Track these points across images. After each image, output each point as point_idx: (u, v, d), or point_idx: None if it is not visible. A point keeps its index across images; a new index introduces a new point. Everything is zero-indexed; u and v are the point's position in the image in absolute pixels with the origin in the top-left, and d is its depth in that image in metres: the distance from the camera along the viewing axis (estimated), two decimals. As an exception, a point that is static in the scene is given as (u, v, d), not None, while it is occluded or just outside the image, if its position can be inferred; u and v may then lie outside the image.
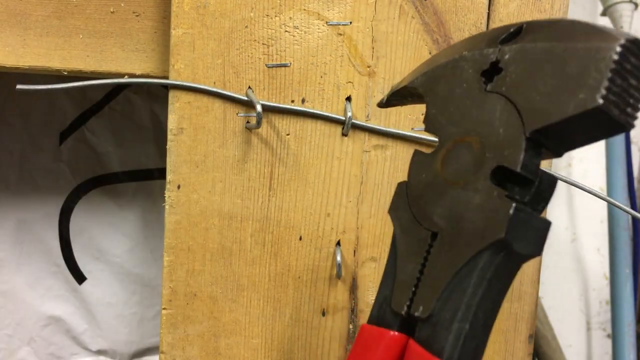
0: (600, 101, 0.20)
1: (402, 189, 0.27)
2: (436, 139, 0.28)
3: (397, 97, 0.32)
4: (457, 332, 0.22)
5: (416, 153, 0.28)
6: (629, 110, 0.21)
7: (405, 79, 0.31)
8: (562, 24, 0.23)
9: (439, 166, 0.26)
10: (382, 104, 0.33)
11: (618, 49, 0.21)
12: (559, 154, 0.24)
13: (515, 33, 0.25)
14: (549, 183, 0.23)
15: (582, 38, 0.22)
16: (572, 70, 0.21)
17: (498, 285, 0.23)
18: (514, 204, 0.22)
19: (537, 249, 0.23)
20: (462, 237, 0.23)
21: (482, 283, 0.23)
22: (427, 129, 0.27)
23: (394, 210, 0.27)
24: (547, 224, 0.23)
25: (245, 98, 0.43)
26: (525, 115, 0.23)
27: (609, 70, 0.20)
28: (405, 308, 0.25)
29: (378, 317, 0.26)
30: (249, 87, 0.44)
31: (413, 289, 0.24)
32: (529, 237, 0.22)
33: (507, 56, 0.24)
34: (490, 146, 0.23)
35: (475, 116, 0.25)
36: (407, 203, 0.26)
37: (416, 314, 0.24)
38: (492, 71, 0.25)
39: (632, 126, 0.22)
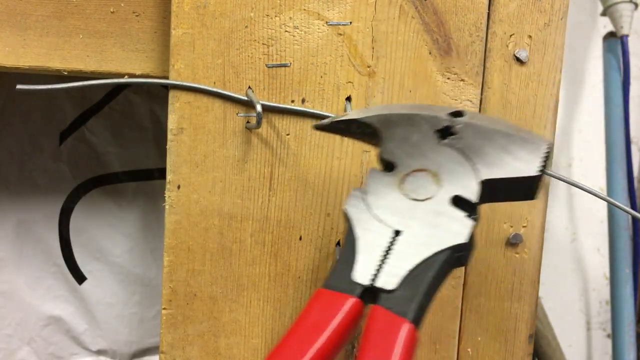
0: (534, 173, 0.32)
1: (357, 194, 0.34)
2: None
3: (342, 125, 0.38)
4: (418, 303, 0.30)
5: (373, 170, 0.35)
6: (540, 186, 0.34)
7: (354, 114, 0.38)
8: (495, 118, 0.36)
9: (399, 184, 0.33)
10: (322, 126, 0.39)
11: (547, 147, 0.33)
12: (484, 200, 0.33)
13: (458, 114, 0.35)
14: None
15: (521, 132, 0.34)
16: (515, 149, 0.33)
17: (447, 274, 0.32)
18: (473, 222, 0.32)
19: (472, 256, 0.33)
20: (427, 237, 0.31)
21: (440, 271, 0.31)
22: (385, 156, 0.35)
23: (352, 208, 0.33)
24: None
25: (245, 98, 0.43)
26: (478, 167, 0.33)
27: (541, 160, 0.32)
28: (369, 281, 0.31)
29: (336, 286, 0.31)
30: (249, 87, 0.44)
31: (377, 268, 0.31)
32: (473, 245, 0.33)
33: (459, 125, 0.34)
34: (447, 180, 0.33)
35: (432, 158, 0.34)
36: (365, 206, 0.33)
37: (383, 286, 0.30)
38: (444, 132, 0.34)
39: (535, 198, 0.34)
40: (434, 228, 0.32)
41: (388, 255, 0.31)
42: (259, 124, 0.42)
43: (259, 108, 0.41)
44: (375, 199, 0.33)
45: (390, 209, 0.33)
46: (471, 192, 0.32)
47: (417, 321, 0.30)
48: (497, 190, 0.33)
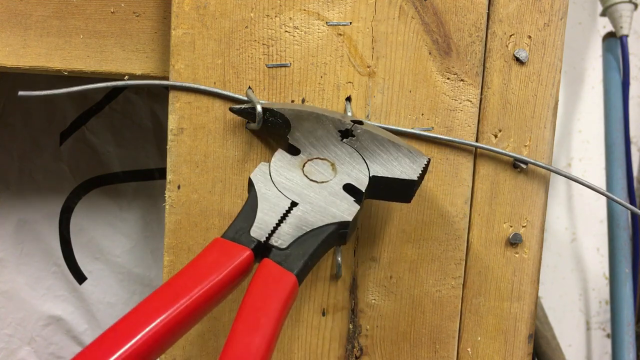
0: (415, 178, 0.39)
1: (264, 167, 0.38)
2: (435, 135, 0.45)
3: (255, 112, 0.42)
4: (304, 262, 0.35)
5: (280, 151, 0.39)
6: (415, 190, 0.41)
7: (267, 104, 0.42)
8: (389, 133, 0.43)
9: (301, 166, 0.39)
10: (237, 110, 0.43)
11: (426, 161, 0.40)
12: (370, 193, 0.40)
13: (359, 122, 0.42)
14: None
15: (409, 147, 0.41)
16: (402, 157, 0.40)
17: (330, 246, 0.38)
18: (360, 206, 0.38)
19: (351, 236, 0.39)
20: (319, 211, 0.37)
21: (325, 241, 0.36)
22: (292, 142, 0.40)
23: (258, 177, 0.38)
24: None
25: (246, 98, 0.43)
26: (370, 165, 0.40)
27: (421, 169, 0.40)
28: (265, 238, 0.35)
29: (234, 238, 0.35)
30: (249, 88, 0.44)
31: (272, 230, 0.36)
32: (355, 226, 0.39)
33: (359, 130, 0.41)
34: (342, 171, 0.39)
35: (332, 151, 0.40)
36: (270, 179, 0.38)
37: (275, 243, 0.35)
38: (346, 133, 0.41)
39: (410, 201, 0.41)
40: (326, 205, 0.37)
41: (283, 221, 0.36)
42: (259, 124, 0.42)
43: (259, 108, 0.41)
44: (279, 174, 0.38)
45: (291, 184, 0.38)
46: (361, 183, 0.39)
47: (300, 276, 0.35)
48: (382, 187, 0.40)
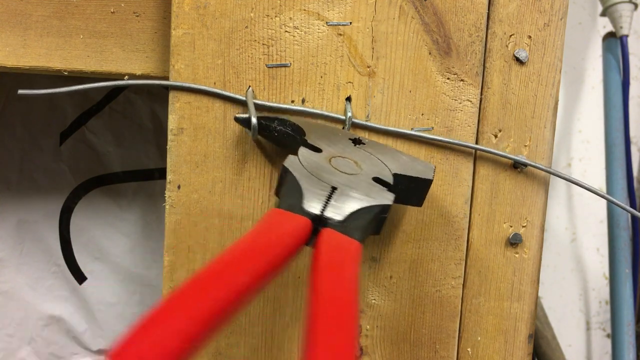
0: (431, 178, 0.40)
1: (294, 159, 0.38)
2: (435, 137, 0.44)
3: (264, 121, 0.42)
4: (362, 230, 0.36)
5: (303, 148, 0.40)
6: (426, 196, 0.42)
7: (280, 117, 0.43)
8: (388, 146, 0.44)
9: (327, 161, 0.39)
10: (241, 119, 0.42)
11: (434, 167, 0.42)
12: (393, 191, 0.39)
13: (357, 140, 0.43)
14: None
15: (413, 157, 0.43)
16: (414, 162, 0.42)
17: (378, 223, 0.38)
18: (393, 194, 0.38)
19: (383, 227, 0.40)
20: (362, 194, 0.37)
21: (373, 220, 0.37)
22: (311, 142, 0.40)
23: (293, 166, 0.38)
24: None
25: (245, 98, 0.43)
26: (389, 166, 0.41)
27: (433, 171, 0.41)
28: (320, 211, 0.35)
29: (290, 209, 0.35)
30: (250, 87, 0.44)
31: (323, 204, 0.36)
32: (388, 214, 0.39)
33: (366, 140, 0.43)
34: (366, 168, 0.40)
35: (350, 153, 0.41)
36: (303, 167, 0.38)
37: (332, 215, 0.35)
38: (356, 141, 0.42)
39: (421, 204, 0.42)
40: (366, 190, 0.38)
41: (330, 202, 0.36)
42: (254, 135, 0.42)
43: (254, 121, 0.41)
44: (310, 165, 0.38)
45: (325, 173, 0.38)
46: (388, 177, 0.40)
47: (361, 242, 0.35)
48: (402, 186, 0.40)
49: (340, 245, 0.33)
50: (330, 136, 0.41)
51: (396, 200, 0.40)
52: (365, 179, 0.39)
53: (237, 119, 0.42)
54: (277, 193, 0.39)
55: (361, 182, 0.38)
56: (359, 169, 0.39)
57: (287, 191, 0.37)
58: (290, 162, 0.38)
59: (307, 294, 0.32)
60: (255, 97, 0.44)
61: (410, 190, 0.41)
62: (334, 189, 0.37)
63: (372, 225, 0.38)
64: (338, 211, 0.35)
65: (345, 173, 0.38)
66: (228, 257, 0.29)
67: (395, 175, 0.40)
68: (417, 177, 0.40)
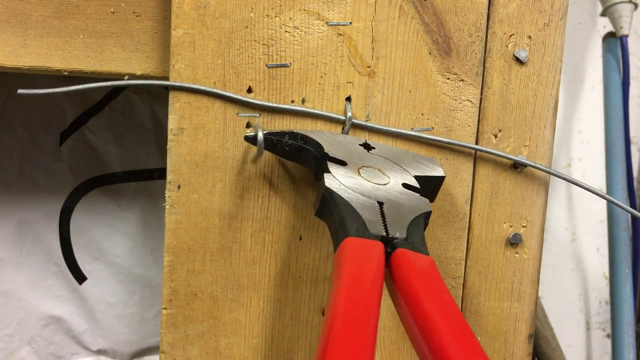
0: (444, 174, 0.43)
1: (332, 178, 0.39)
2: (435, 137, 0.45)
3: (274, 137, 0.42)
4: (426, 248, 0.37)
5: (331, 164, 0.40)
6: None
7: (285, 130, 0.43)
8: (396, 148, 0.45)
9: (358, 174, 0.40)
10: (251, 139, 0.41)
11: (440, 162, 0.44)
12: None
13: (367, 145, 0.43)
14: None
15: (417, 154, 0.45)
16: (423, 161, 0.43)
17: (424, 230, 0.39)
18: (427, 199, 0.40)
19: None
20: (406, 206, 0.39)
21: (423, 226, 0.39)
22: (333, 155, 0.41)
23: (335, 187, 0.38)
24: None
25: (245, 99, 0.43)
26: (406, 169, 0.42)
27: (441, 167, 0.43)
28: (384, 232, 0.36)
29: (363, 235, 0.36)
30: (257, 126, 0.43)
31: (383, 225, 0.37)
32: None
33: (374, 145, 0.43)
34: (391, 175, 0.41)
35: (369, 161, 0.42)
36: (344, 186, 0.38)
37: (396, 235, 0.36)
38: (366, 146, 0.43)
39: (434, 200, 0.44)
40: (406, 201, 0.39)
41: (386, 219, 0.37)
42: (259, 152, 0.41)
43: (260, 136, 0.41)
44: (348, 181, 0.39)
45: (364, 189, 0.39)
46: (414, 182, 0.41)
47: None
48: (422, 187, 0.41)
49: (420, 265, 0.35)
50: (342, 145, 0.42)
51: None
52: (397, 187, 0.40)
53: (247, 139, 0.42)
54: (321, 214, 0.40)
55: (396, 192, 0.40)
56: (387, 178, 0.41)
57: (343, 215, 0.37)
58: (331, 183, 0.39)
59: (407, 317, 0.33)
60: (254, 97, 0.44)
61: (428, 188, 0.42)
62: (380, 204, 0.38)
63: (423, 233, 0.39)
64: (398, 229, 0.37)
65: (379, 184, 0.40)
66: (351, 302, 0.32)
67: (417, 178, 0.41)
68: (434, 177, 0.42)
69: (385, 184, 0.40)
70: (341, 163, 0.40)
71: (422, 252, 0.36)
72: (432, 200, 0.43)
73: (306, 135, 0.42)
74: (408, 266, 0.34)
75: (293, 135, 0.42)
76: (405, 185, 0.40)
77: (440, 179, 0.42)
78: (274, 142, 0.42)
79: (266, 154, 0.44)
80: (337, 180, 0.39)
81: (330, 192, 0.38)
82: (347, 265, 0.33)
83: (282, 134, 0.42)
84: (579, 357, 0.95)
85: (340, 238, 0.36)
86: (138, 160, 0.71)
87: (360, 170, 0.40)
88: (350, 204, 0.37)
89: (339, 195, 0.38)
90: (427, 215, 0.39)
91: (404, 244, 0.36)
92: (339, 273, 0.33)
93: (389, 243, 0.36)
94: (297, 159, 0.43)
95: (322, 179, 0.39)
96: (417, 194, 0.40)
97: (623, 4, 0.76)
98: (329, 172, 0.39)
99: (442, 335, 0.31)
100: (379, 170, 0.41)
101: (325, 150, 0.41)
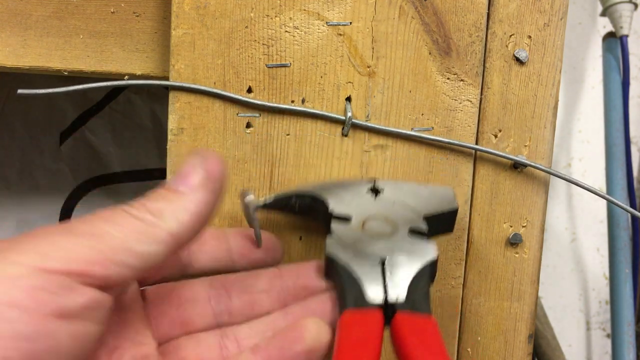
0: (457, 206, 0.42)
1: (335, 245, 0.38)
2: (435, 137, 0.45)
3: (284, 201, 0.42)
4: (427, 304, 0.36)
5: (334, 222, 0.40)
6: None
7: (287, 191, 0.42)
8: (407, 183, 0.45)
9: (360, 229, 0.40)
10: (264, 205, 0.42)
11: (452, 190, 0.43)
12: (430, 233, 0.40)
13: (376, 189, 0.42)
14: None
15: (428, 185, 0.44)
16: (434, 193, 0.43)
17: (430, 286, 0.38)
18: (434, 242, 0.39)
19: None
20: (408, 259, 0.38)
21: (429, 279, 0.38)
22: (337, 212, 0.40)
23: (335, 250, 0.38)
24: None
25: (245, 99, 0.43)
26: (416, 208, 0.41)
27: (454, 196, 0.43)
28: (383, 299, 0.36)
29: (360, 305, 0.36)
30: (249, 192, 0.42)
31: (383, 288, 0.36)
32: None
33: (380, 185, 0.42)
34: (398, 221, 0.40)
35: (375, 208, 0.41)
36: (346, 249, 0.38)
37: (396, 299, 0.36)
38: (374, 190, 0.42)
39: (452, 230, 0.44)
40: (410, 251, 0.38)
41: (387, 280, 0.37)
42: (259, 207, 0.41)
43: (269, 201, 0.42)
44: (350, 242, 0.39)
45: (366, 246, 0.38)
46: (421, 225, 0.40)
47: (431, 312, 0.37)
48: (434, 224, 0.41)
49: (419, 329, 0.35)
50: (349, 195, 0.42)
51: (434, 234, 0.41)
52: (403, 235, 0.39)
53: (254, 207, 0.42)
54: (327, 277, 0.39)
55: (401, 241, 0.39)
56: (391, 227, 0.40)
57: (344, 282, 0.37)
58: (332, 248, 0.38)
59: None
60: (254, 97, 0.44)
61: (442, 223, 0.42)
62: (383, 261, 0.38)
63: (428, 285, 0.38)
64: (399, 290, 0.36)
65: (384, 236, 0.39)
66: None
67: (426, 217, 0.41)
68: (446, 212, 0.42)
69: (390, 234, 0.39)
70: (345, 219, 0.40)
71: (422, 311, 0.36)
72: (450, 231, 0.43)
73: (312, 194, 0.42)
74: (405, 330, 0.35)
75: (300, 196, 0.42)
76: (411, 231, 0.40)
77: (454, 212, 0.42)
78: (283, 204, 0.42)
79: (265, 152, 0.44)
80: (339, 243, 0.39)
81: (331, 261, 0.38)
82: (343, 343, 0.34)
83: (289, 196, 0.42)
84: (579, 357, 0.95)
85: (340, 309, 0.37)
86: (138, 160, 0.71)
87: (364, 224, 0.40)
88: (350, 271, 0.37)
89: (339, 263, 0.38)
90: (432, 264, 0.38)
91: (403, 306, 0.36)
92: (335, 350, 0.34)
93: (389, 308, 0.36)
94: (306, 215, 0.43)
95: (325, 243, 0.39)
96: (424, 240, 0.39)
97: (623, 4, 0.76)
98: (331, 233, 0.39)
99: None
100: (385, 218, 0.40)
101: (330, 209, 0.41)
